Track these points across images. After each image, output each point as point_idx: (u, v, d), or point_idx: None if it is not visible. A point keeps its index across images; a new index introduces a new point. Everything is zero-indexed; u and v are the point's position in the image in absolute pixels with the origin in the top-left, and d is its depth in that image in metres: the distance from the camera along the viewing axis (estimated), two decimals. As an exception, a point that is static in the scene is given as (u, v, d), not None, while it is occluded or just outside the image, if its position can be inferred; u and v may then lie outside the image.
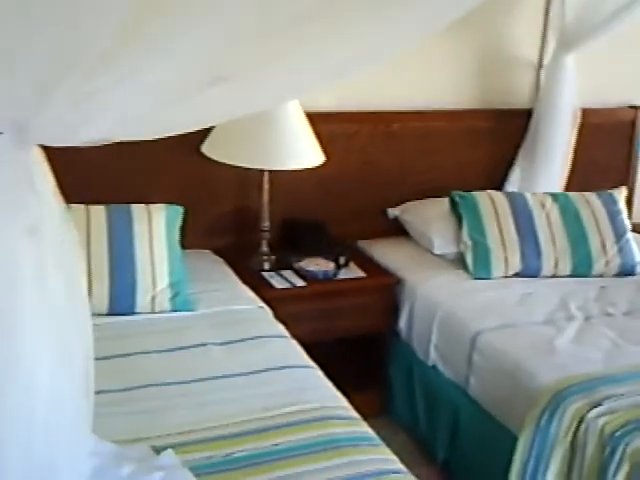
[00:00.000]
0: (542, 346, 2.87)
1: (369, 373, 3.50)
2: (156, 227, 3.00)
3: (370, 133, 3.74)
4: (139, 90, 1.45)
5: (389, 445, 3.21)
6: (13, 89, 1.41)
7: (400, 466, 2.21)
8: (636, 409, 2.49)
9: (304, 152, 3.25)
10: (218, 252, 3.49)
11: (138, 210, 3.02)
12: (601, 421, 2.46)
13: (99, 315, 2.85)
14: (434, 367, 3.21)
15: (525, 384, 2.73)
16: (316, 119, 3.36)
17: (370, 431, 2.36)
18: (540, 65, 4.03)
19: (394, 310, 3.43)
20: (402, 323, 3.40)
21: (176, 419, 2.31)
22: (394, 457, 2.25)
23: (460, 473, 3.08)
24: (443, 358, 3.17)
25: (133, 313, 2.90)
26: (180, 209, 3.10)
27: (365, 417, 3.36)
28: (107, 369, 2.54)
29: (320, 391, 2.53)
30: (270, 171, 3.31)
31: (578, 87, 3.94)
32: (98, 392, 2.36)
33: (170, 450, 2.14)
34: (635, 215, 4.35)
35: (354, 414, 2.44)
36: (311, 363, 2.70)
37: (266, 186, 3.39)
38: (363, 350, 3.48)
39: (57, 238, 1.72)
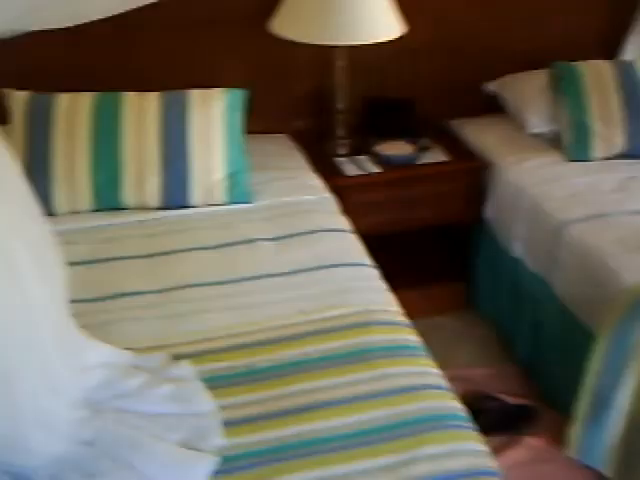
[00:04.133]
0: (632, 240, 2.53)
1: (453, 264, 3.25)
2: (214, 113, 2.79)
3: (464, -3, 3.35)
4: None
5: (471, 339, 3.06)
6: None
7: (438, 380, 1.99)
8: None
9: (380, 23, 2.92)
10: (295, 136, 3.28)
11: (195, 96, 2.82)
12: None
13: (151, 210, 2.73)
14: (519, 259, 2.92)
15: (608, 284, 2.43)
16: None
17: (413, 338, 2.14)
18: None
19: (480, 197, 3.13)
20: (488, 211, 3.11)
21: (203, 324, 2.17)
22: (434, 369, 2.03)
23: (540, 371, 2.84)
24: (528, 250, 2.88)
25: (187, 207, 2.74)
26: (243, 93, 2.87)
27: (448, 310, 3.22)
28: (148, 268, 2.44)
29: (368, 293, 2.32)
30: (348, 47, 3.01)
31: None
32: (133, 294, 2.31)
33: (185, 361, 2.00)
34: None
35: (400, 319, 2.22)
36: (367, 261, 2.48)
37: (340, 63, 3.12)
38: (446, 240, 3.22)
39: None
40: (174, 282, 2.35)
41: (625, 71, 3.14)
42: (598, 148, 3.03)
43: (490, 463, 1.77)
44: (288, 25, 2.95)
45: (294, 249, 2.51)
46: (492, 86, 3.41)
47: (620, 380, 2.29)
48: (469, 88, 3.42)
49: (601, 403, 2.35)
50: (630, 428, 2.33)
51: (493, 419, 2.59)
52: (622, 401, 2.32)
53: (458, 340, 3.06)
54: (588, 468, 2.44)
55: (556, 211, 2.76)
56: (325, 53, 3.11)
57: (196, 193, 2.73)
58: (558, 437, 2.48)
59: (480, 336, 3.11)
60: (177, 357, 2.03)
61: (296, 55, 3.19)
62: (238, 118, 2.85)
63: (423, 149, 3.13)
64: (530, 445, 2.55)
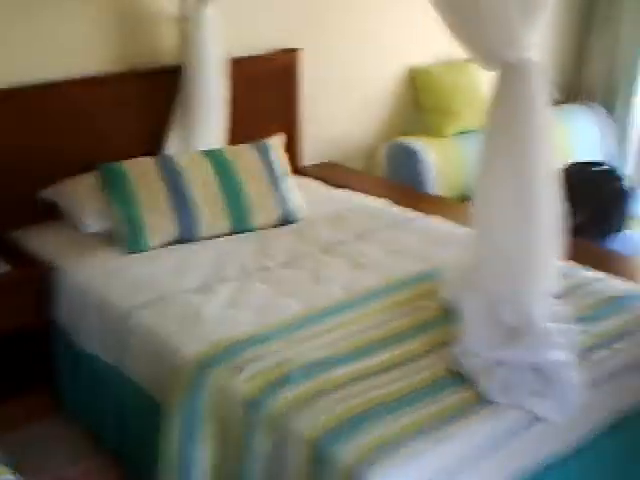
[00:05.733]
0: (191, 316, 2.75)
1: (37, 371, 3.27)
2: None
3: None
4: None
5: (64, 441, 3.09)
6: None
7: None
8: (276, 369, 2.42)
9: None
10: None
11: None
12: (242, 388, 2.38)
13: None
14: (94, 355, 3.02)
15: (173, 360, 2.61)
16: None
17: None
18: (183, 18, 3.86)
19: (50, 301, 3.19)
20: (59, 313, 3.18)
21: None
22: (9, 476, 2.05)
23: (131, 460, 2.95)
24: (101, 344, 2.99)
25: None
26: None
27: (39, 416, 3.22)
28: None
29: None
30: None
31: (228, 36, 3.82)
32: None
33: None
34: (304, 159, 4.35)
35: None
36: None
37: None
38: (25, 350, 3.22)
39: None
40: None
41: (167, 165, 3.42)
42: (152, 238, 3.25)
43: None
44: None
45: None
46: (47, 193, 3.50)
47: (197, 445, 2.46)
48: (27, 198, 3.48)
49: (184, 471, 2.50)
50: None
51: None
52: (203, 464, 2.49)
53: (52, 444, 3.09)
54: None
55: (121, 301, 2.90)
56: None
57: None
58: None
59: (73, 436, 3.15)
60: None
61: None
62: None
63: (-16, 263, 3.13)
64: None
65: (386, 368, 2.44)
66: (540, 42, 4.77)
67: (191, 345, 2.59)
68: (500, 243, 2.51)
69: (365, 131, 4.68)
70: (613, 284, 2.95)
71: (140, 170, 3.37)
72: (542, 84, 2.41)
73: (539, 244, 2.47)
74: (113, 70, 3.74)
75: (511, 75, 2.42)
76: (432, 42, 4.64)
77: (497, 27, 2.37)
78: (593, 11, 5.31)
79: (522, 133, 2.43)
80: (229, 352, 2.52)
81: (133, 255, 3.22)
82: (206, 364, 2.48)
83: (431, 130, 4.65)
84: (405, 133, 4.67)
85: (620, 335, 2.65)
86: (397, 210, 3.68)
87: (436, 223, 3.53)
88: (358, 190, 3.95)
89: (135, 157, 3.50)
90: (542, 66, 2.42)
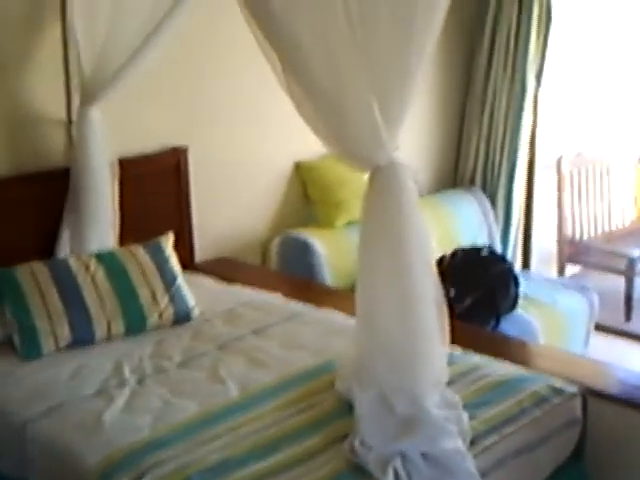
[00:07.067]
0: (90, 423, 2.75)
1: None
2: None
3: None
4: None
5: None
6: None
7: None
8: (178, 474, 2.44)
9: None
10: None
11: None
12: (145, 495, 2.39)
13: None
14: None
15: (76, 470, 2.59)
16: None
17: None
18: (70, 121, 3.91)
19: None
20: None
21: None
22: None
23: None
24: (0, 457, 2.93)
25: None
26: None
27: None
28: None
29: None
30: None
31: (115, 137, 3.88)
32: None
33: None
34: (197, 256, 4.41)
35: None
36: None
37: None
38: None
39: None
40: None
41: (58, 269, 3.43)
42: (47, 344, 3.23)
43: None
44: None
45: None
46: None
47: None
48: None
49: None
50: None
51: None
52: None
53: None
54: None
55: (18, 411, 2.87)
56: None
57: None
58: None
59: None
60: None
61: None
62: None
63: None
64: None
65: (286, 466, 2.48)
66: (418, 128, 4.99)
67: (92, 454, 2.58)
68: (383, 333, 2.62)
69: (256, 225, 4.76)
70: (500, 368, 3.07)
71: (31, 275, 3.37)
72: (409, 182, 2.60)
73: (421, 332, 2.59)
74: (0, 174, 3.74)
75: (380, 175, 2.59)
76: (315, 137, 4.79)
77: (364, 135, 2.54)
78: (470, 96, 5.56)
79: (394, 226, 2.59)
80: (130, 459, 2.52)
81: (28, 362, 3.19)
82: (108, 473, 2.48)
83: (321, 221, 4.77)
84: (296, 225, 4.78)
85: (508, 420, 2.76)
86: (291, 303, 3.76)
87: (330, 314, 3.61)
88: (252, 284, 4.01)
89: (26, 262, 3.48)
90: (407, 166, 2.61)
